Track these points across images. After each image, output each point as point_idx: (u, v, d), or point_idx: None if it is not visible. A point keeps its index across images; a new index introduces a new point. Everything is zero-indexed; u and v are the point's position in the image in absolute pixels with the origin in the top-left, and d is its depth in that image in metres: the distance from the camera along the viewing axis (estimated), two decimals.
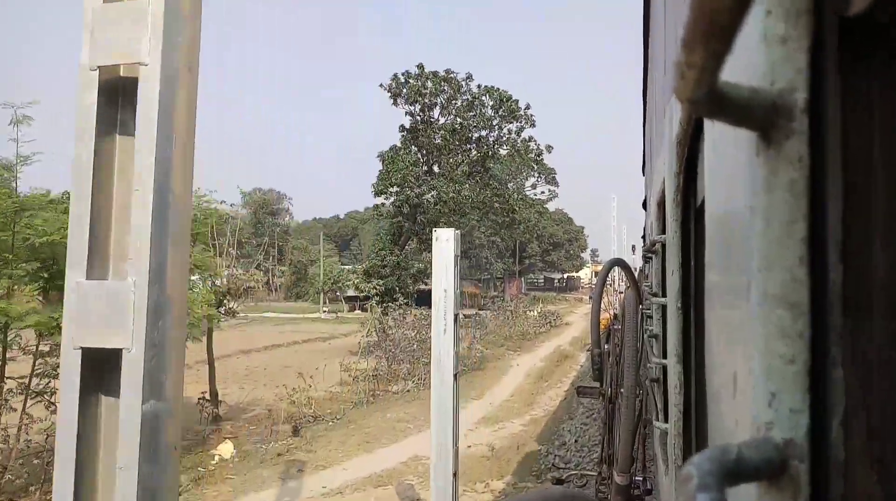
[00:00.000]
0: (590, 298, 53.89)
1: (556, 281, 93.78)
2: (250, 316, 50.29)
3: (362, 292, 34.35)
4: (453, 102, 33.77)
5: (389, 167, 32.39)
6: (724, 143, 0.92)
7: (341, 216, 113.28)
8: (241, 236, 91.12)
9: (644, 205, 5.93)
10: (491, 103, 34.44)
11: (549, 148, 37.01)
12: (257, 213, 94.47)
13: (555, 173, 67.42)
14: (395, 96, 33.18)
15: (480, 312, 41.77)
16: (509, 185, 66.26)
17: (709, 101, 0.51)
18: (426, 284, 38.06)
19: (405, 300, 31.77)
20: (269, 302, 63.73)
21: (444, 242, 5.86)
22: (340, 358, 17.37)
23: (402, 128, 33.84)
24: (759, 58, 0.56)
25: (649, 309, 3.97)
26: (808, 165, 0.53)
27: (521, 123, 35.05)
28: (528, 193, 69.86)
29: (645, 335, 4.00)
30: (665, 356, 2.72)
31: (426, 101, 33.32)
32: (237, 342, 28.92)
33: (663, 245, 2.98)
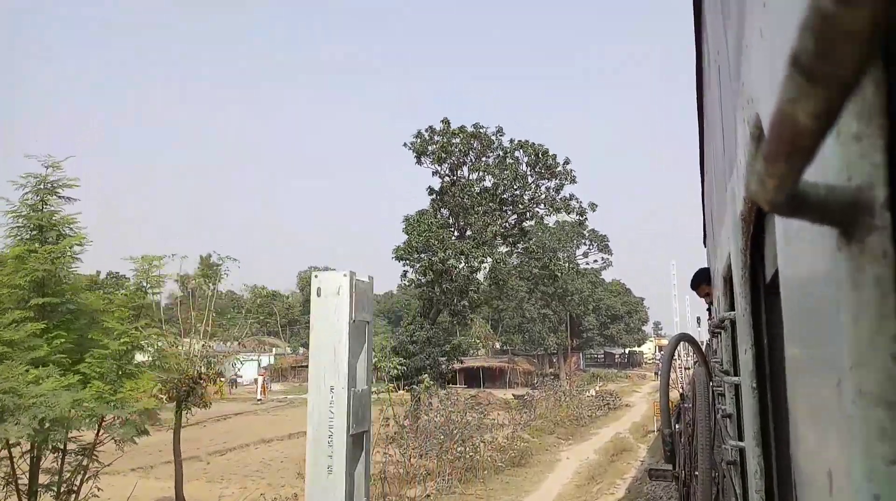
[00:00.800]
0: (655, 374, 51.79)
1: (616, 357, 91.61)
2: (290, 398, 49.87)
3: (384, 371, 30.38)
4: (483, 158, 31.99)
5: (411, 231, 30.30)
6: (798, 226, 0.93)
7: (395, 291, 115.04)
8: (292, 314, 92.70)
9: (692, 285, 5.79)
10: (525, 159, 32.28)
11: (594, 206, 33.06)
12: (304, 290, 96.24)
13: (607, 240, 66.55)
14: (419, 154, 31.46)
15: (532, 391, 39.40)
16: (560, 254, 65.74)
17: (789, 203, 0.53)
18: (461, 361, 35.16)
19: (431, 382, 29.04)
20: None
21: (332, 296, 3.40)
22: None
23: (431, 190, 31.92)
24: (834, 155, 0.58)
25: (720, 386, 3.87)
26: (894, 261, 0.54)
27: (559, 180, 32.48)
28: (579, 261, 69.19)
29: (718, 415, 3.88)
30: (741, 438, 2.64)
31: (454, 160, 31.65)
32: (262, 428, 27.88)
33: (732, 322, 2.93)
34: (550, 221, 34.89)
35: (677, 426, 4.98)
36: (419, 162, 31.37)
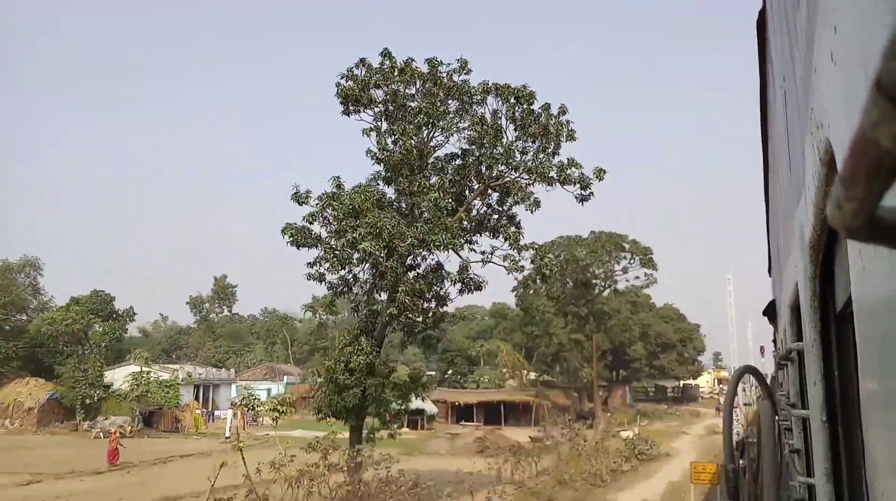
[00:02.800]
0: (717, 410, 48.70)
1: (669, 390, 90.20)
2: (273, 435, 46.05)
3: (314, 410, 24.55)
4: (438, 107, 23.61)
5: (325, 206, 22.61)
6: (875, 252, 1.04)
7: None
8: (312, 340, 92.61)
9: (765, 313, 5.95)
10: (505, 109, 23.74)
11: (601, 173, 23.38)
12: (316, 313, 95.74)
13: (651, 253, 63.76)
14: (347, 100, 23.23)
15: (552, 436, 33.21)
16: (595, 270, 62.95)
17: (867, 228, 0.58)
18: (423, 399, 27.89)
19: (379, 427, 24.01)
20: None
21: None
22: None
23: (371, 155, 23.58)
24: None
25: (787, 421, 4.01)
26: None
27: (553, 137, 23.62)
28: (618, 277, 65.14)
29: (785, 450, 4.00)
30: (810, 474, 2.77)
31: (408, 115, 23.47)
32: (176, 481, 23.63)
33: (800, 353, 3.09)
34: (541, 194, 24.07)
35: (741, 462, 5.12)
36: (347, 112, 23.66)
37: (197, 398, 61.27)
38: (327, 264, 22.45)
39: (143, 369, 54.15)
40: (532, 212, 24.17)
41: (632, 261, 63.97)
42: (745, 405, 29.39)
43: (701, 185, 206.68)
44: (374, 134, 23.60)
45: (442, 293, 24.57)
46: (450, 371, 78.01)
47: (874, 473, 1.27)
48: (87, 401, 51.12)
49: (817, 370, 2.40)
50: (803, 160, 2.17)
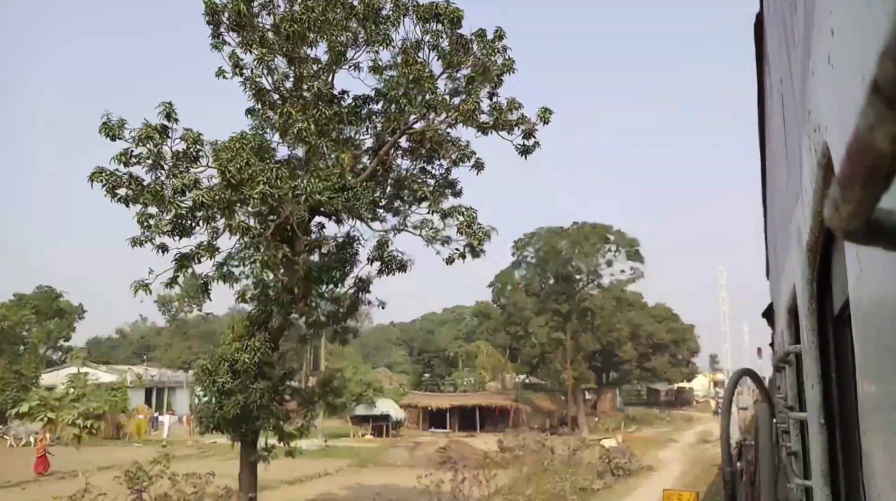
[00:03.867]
0: (715, 413, 48.64)
1: (662, 394, 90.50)
2: (221, 443, 41.33)
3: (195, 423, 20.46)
4: (319, 13, 18.20)
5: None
6: (873, 255, 1.08)
7: (420, 319, 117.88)
8: None
9: (764, 315, 6.12)
10: (422, 33, 18.95)
11: (547, 114, 18.94)
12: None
13: (637, 245, 63.21)
14: (217, 18, 18.32)
15: (518, 445, 31.02)
16: (578, 264, 62.13)
17: (864, 230, 0.60)
18: (332, 406, 23.65)
19: (271, 444, 20.01)
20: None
21: None
22: None
23: (254, 89, 19.00)
24: None
25: (784, 423, 4.13)
26: None
27: (490, 72, 19.14)
28: (602, 271, 64.13)
29: (782, 453, 4.13)
30: (807, 477, 2.89)
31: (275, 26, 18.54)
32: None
33: (798, 355, 3.22)
34: (467, 136, 19.76)
35: (738, 464, 5.28)
36: (218, 36, 18.59)
37: (149, 403, 59.91)
38: (152, 222, 17.11)
39: (81, 370, 52.72)
40: (476, 173, 19.98)
41: (616, 253, 63.40)
42: (741, 409, 29.50)
43: (700, 184, 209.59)
44: (226, 48, 18.65)
45: (365, 277, 20.53)
46: (426, 374, 77.92)
47: (871, 475, 1.32)
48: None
49: (815, 373, 2.50)
50: (801, 163, 2.26)
